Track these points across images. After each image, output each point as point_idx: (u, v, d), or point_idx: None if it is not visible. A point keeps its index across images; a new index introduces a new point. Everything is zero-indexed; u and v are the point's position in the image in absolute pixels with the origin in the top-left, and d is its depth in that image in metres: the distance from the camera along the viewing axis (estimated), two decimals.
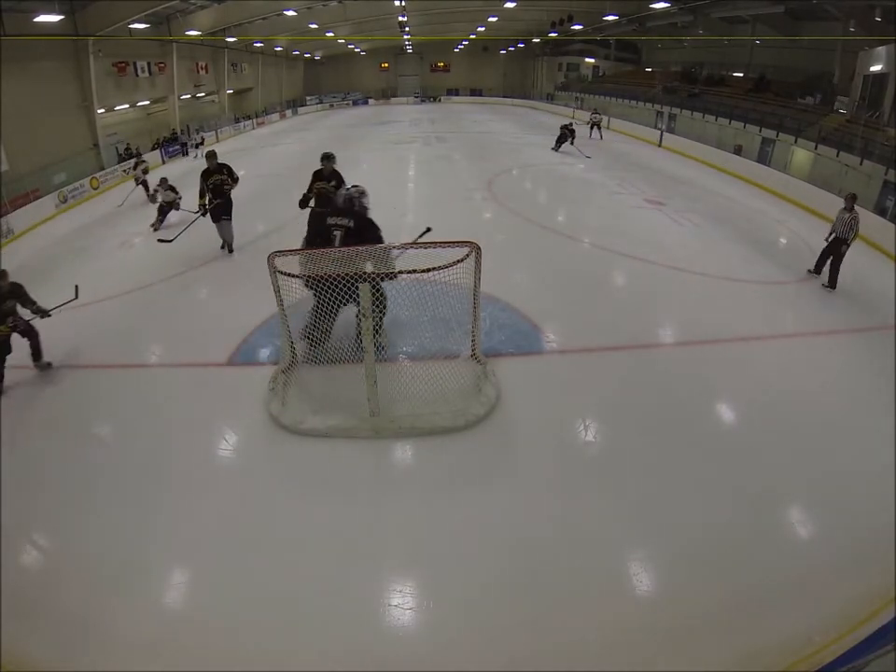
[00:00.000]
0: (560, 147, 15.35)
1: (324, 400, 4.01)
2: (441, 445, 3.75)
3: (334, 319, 4.14)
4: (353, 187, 4.78)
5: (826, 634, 2.52)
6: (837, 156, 11.02)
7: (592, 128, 18.06)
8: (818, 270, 6.43)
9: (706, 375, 4.62)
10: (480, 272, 4.11)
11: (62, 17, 12.75)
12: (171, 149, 18.14)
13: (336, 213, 4.53)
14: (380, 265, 4.00)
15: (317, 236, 4.58)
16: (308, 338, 4.35)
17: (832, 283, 6.15)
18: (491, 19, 24.11)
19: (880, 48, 12.24)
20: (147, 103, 18.86)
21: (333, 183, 6.20)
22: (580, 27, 22.71)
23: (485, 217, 9.14)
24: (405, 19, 21.26)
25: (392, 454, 3.76)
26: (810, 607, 2.69)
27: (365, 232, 4.36)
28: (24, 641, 2.56)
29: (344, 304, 3.82)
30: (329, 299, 3.72)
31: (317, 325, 4.17)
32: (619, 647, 2.53)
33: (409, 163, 14.28)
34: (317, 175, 6.34)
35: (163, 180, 9.45)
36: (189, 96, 21.92)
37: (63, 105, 14.20)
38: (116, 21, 14.19)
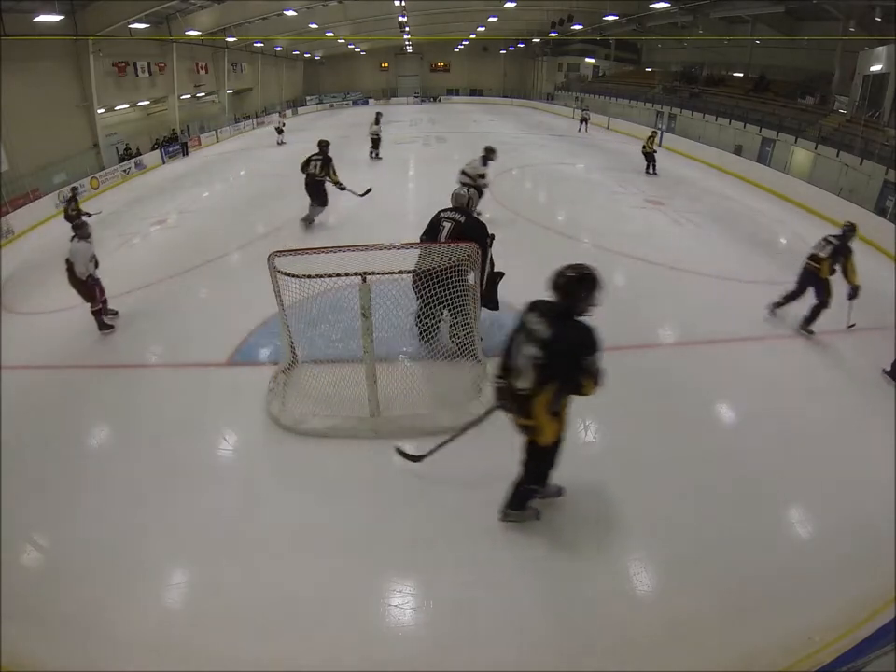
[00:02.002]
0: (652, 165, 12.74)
1: (324, 401, 4.01)
2: None
3: (439, 315, 4.34)
4: (469, 188, 4.74)
5: (826, 634, 2.51)
6: (837, 156, 11.03)
7: (582, 122, 20.46)
8: None
9: (705, 375, 4.62)
10: (479, 272, 4.10)
11: (62, 17, 12.78)
12: (171, 149, 18.15)
13: (451, 207, 4.57)
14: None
15: (431, 228, 4.54)
16: (422, 336, 4.54)
17: None
18: (491, 19, 24.10)
19: (880, 48, 12.24)
20: (147, 103, 18.88)
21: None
22: (580, 27, 22.71)
23: (485, 218, 9.10)
24: (405, 19, 21.25)
25: (392, 454, 3.75)
26: (810, 607, 2.69)
27: (472, 231, 4.32)
28: (24, 641, 2.56)
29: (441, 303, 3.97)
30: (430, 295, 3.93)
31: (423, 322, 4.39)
32: (619, 647, 2.53)
33: (409, 163, 14.27)
34: None
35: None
36: (188, 96, 21.94)
37: (63, 105, 14.21)
38: (116, 21, 14.21)
